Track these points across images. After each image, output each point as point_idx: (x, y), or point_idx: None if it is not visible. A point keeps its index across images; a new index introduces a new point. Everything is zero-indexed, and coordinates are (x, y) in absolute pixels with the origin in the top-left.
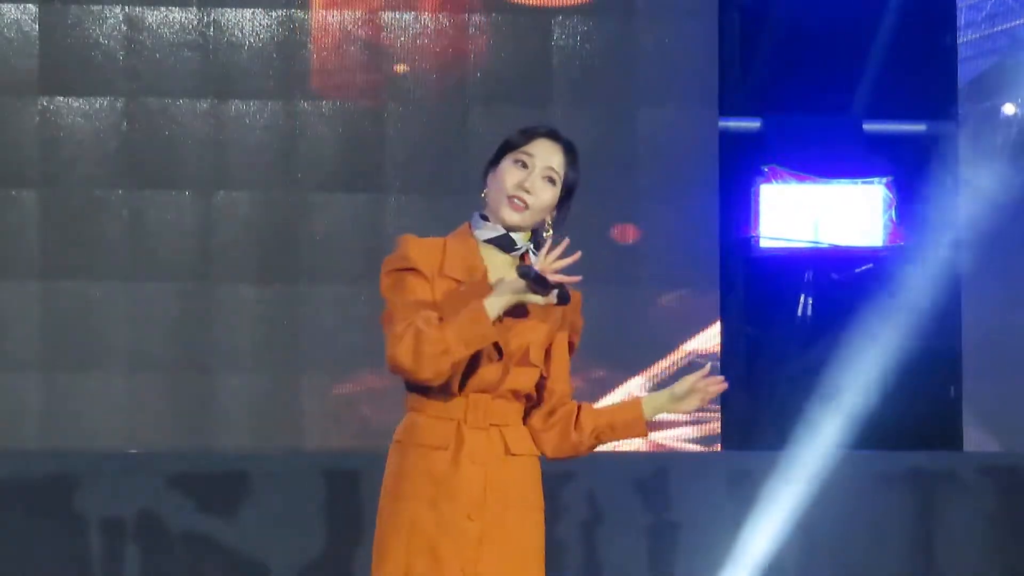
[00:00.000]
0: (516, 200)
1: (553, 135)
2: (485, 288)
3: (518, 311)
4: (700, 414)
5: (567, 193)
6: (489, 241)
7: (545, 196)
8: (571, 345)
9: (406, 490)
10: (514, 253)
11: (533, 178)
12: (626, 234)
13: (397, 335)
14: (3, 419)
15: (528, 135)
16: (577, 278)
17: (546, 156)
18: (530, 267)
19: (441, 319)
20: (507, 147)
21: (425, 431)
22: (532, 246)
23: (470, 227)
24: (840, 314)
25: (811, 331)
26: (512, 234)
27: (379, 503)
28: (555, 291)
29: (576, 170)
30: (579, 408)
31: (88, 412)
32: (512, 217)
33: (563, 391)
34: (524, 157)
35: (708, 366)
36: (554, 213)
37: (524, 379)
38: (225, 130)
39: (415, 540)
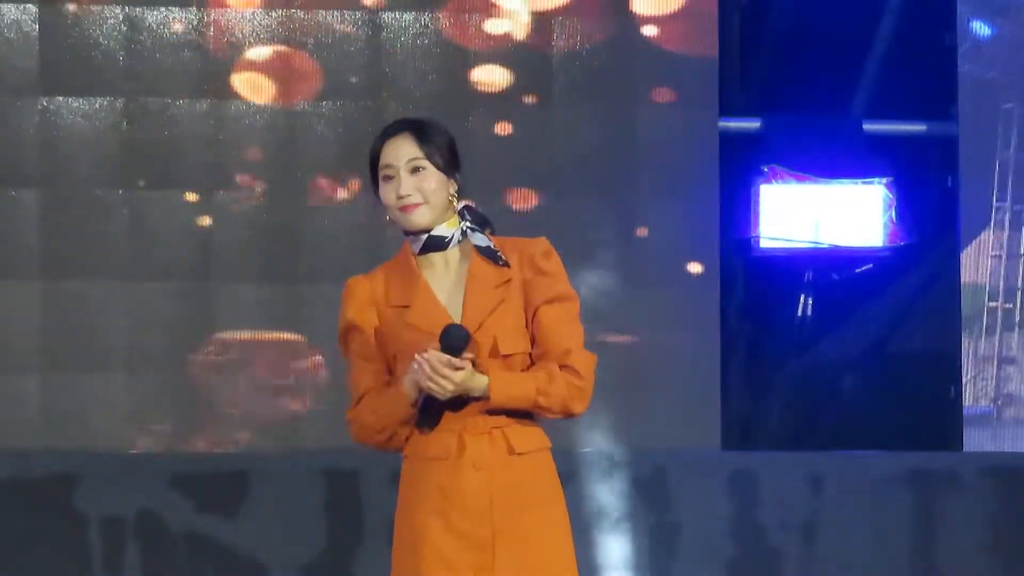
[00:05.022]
0: (406, 209)
1: (392, 130)
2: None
3: (477, 308)
4: (700, 414)
5: (450, 157)
6: (422, 251)
7: (425, 184)
8: (560, 296)
9: (413, 502)
10: (453, 245)
11: (403, 181)
12: (626, 234)
13: (351, 415)
14: (3, 419)
15: (377, 145)
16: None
17: (399, 154)
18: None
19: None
20: (373, 169)
21: (427, 443)
22: (468, 225)
23: (409, 245)
24: (840, 314)
25: (811, 331)
26: (434, 233)
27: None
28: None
29: (433, 134)
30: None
31: (88, 412)
32: (417, 220)
33: (558, 351)
34: (386, 170)
35: None
36: (453, 183)
37: None
38: (225, 130)
39: (426, 551)
